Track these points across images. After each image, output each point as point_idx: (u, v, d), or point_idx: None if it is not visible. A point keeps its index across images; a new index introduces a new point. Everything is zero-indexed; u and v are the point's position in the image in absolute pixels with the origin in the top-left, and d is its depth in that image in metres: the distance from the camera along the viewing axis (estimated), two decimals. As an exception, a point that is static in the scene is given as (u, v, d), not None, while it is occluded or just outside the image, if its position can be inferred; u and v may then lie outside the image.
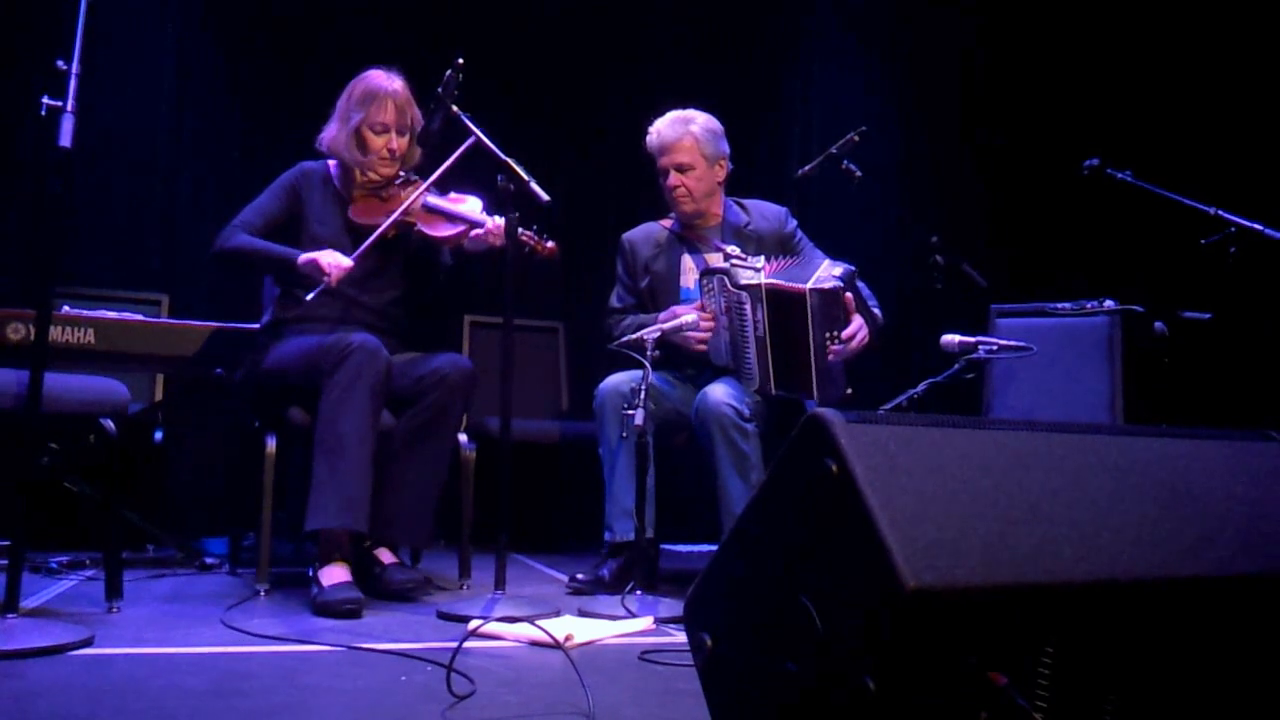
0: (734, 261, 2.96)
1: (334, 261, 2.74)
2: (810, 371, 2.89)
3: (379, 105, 2.92)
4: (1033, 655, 1.21)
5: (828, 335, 2.88)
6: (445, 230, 2.91)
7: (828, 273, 2.93)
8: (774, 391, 2.93)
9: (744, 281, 2.91)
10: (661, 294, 3.23)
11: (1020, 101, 4.56)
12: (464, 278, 3.08)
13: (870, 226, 4.52)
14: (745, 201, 3.35)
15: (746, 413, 2.89)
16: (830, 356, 2.88)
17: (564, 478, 4.18)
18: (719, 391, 2.92)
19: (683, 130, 3.18)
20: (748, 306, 2.91)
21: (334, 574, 2.55)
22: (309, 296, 2.73)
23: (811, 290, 2.86)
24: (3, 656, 1.88)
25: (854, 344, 2.91)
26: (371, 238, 2.81)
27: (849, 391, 2.94)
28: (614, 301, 3.32)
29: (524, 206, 2.63)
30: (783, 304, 2.88)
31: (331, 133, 2.97)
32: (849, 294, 2.93)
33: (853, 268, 2.98)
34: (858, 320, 2.94)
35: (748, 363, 2.94)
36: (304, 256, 2.78)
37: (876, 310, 3.07)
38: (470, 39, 4.03)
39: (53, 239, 2.36)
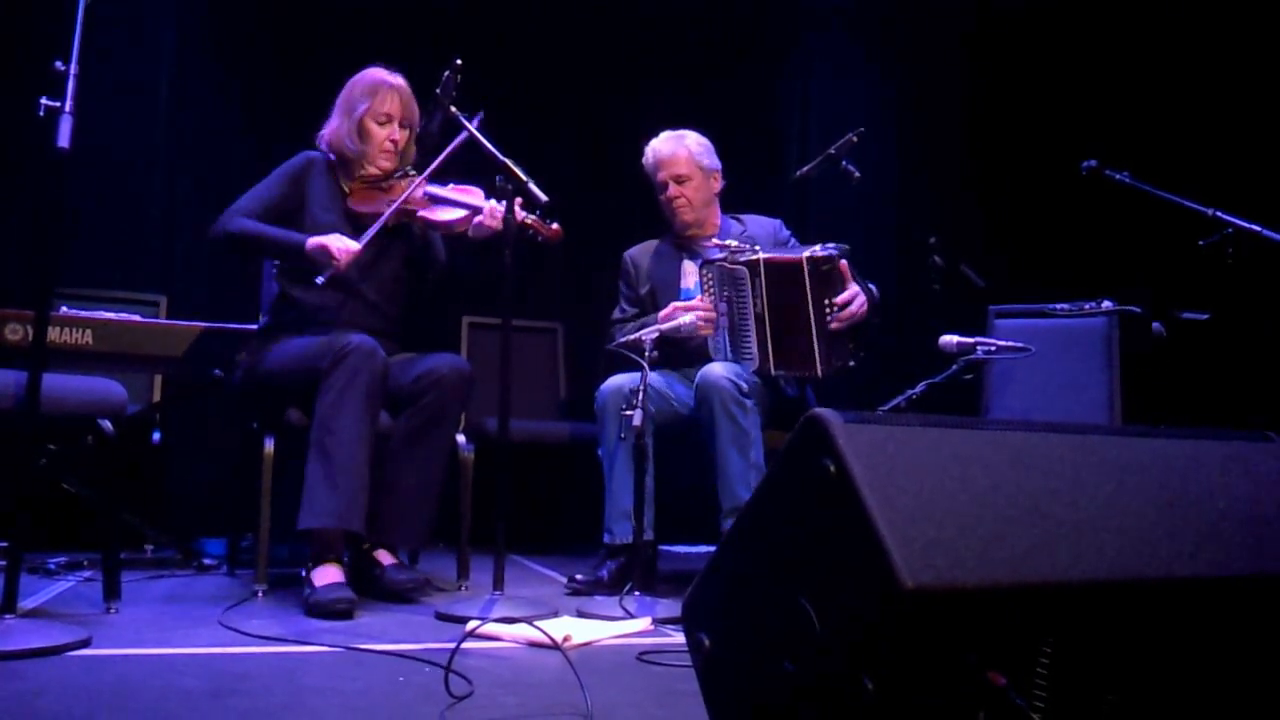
0: (732, 249, 3.01)
1: (343, 246, 2.74)
2: (812, 342, 2.91)
3: (383, 96, 2.94)
4: (1031, 655, 1.21)
5: (826, 304, 2.90)
6: (447, 215, 2.91)
7: (821, 245, 2.98)
8: (774, 370, 2.95)
9: (743, 259, 2.95)
10: (663, 297, 3.26)
11: (1018, 102, 4.56)
12: (461, 272, 3.08)
13: (869, 227, 4.52)
14: (740, 215, 3.43)
15: (745, 388, 2.91)
16: (832, 324, 2.90)
17: (562, 478, 4.18)
18: (719, 368, 2.95)
19: (677, 145, 3.30)
20: (747, 283, 2.95)
21: (326, 574, 2.54)
22: (320, 279, 2.72)
23: (807, 258, 2.91)
24: (1, 657, 1.88)
25: (853, 308, 2.93)
26: (379, 222, 2.81)
27: (851, 364, 2.95)
28: (616, 314, 3.37)
29: (524, 205, 2.63)
30: (780, 275, 2.92)
31: (333, 126, 2.98)
32: (844, 262, 2.95)
33: (845, 245, 3.01)
34: (854, 287, 2.96)
35: (747, 344, 2.97)
36: (312, 241, 2.77)
37: (871, 286, 3.08)
38: (470, 43, 4.03)
39: (51, 240, 2.36)
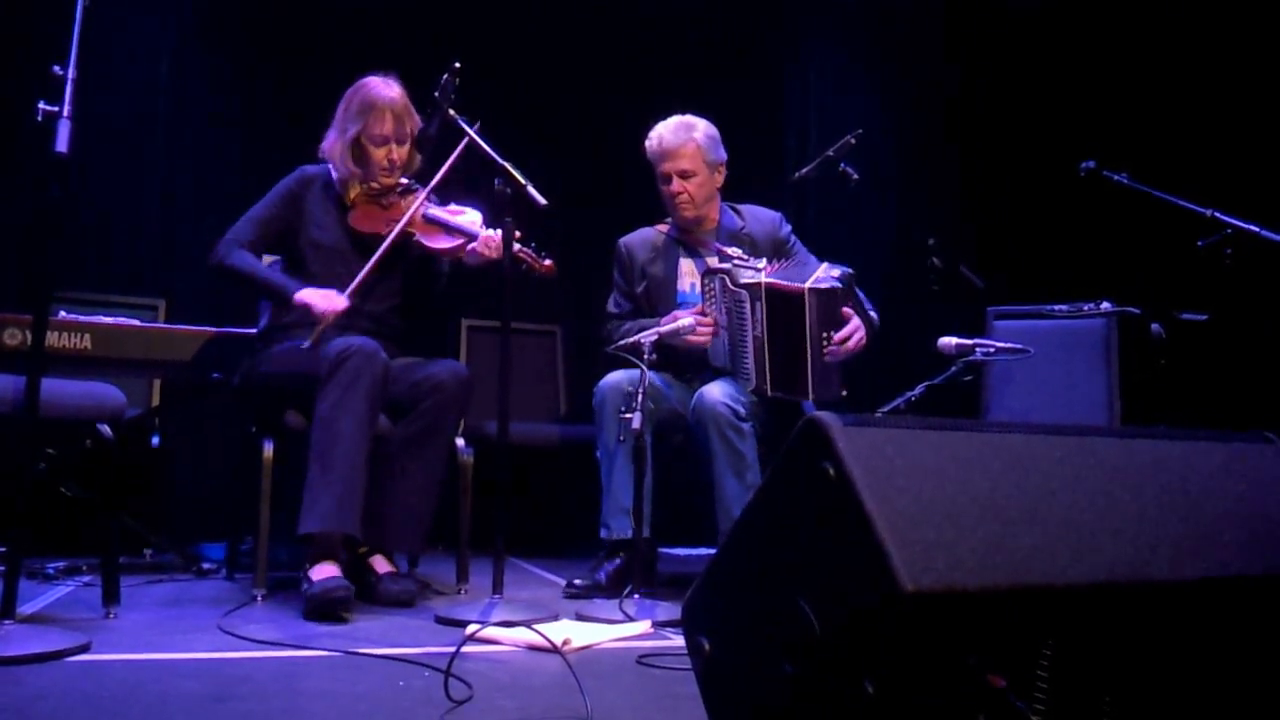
0: (735, 262, 2.99)
1: (329, 306, 2.73)
2: (806, 371, 2.90)
3: (377, 117, 2.90)
4: (1031, 657, 1.21)
5: (824, 336, 2.89)
6: (443, 243, 2.92)
7: (826, 273, 2.95)
8: (770, 392, 2.94)
9: (744, 280, 2.93)
10: (659, 297, 3.23)
11: (1017, 103, 4.56)
12: (461, 284, 3.08)
13: (867, 229, 4.52)
14: (740, 206, 3.38)
15: (743, 412, 2.90)
16: (826, 357, 2.89)
17: (562, 481, 4.18)
18: (715, 391, 2.93)
19: (685, 137, 3.19)
20: (747, 305, 2.92)
21: (324, 570, 2.54)
22: (305, 345, 2.70)
23: (810, 290, 2.88)
24: (0, 663, 1.87)
25: (850, 344, 2.92)
26: (368, 266, 2.79)
27: (844, 393, 2.95)
28: (611, 307, 3.33)
29: (522, 212, 2.62)
30: (781, 303, 2.90)
31: (332, 141, 2.96)
32: (847, 295, 2.94)
33: (850, 270, 2.99)
34: (855, 321, 2.95)
35: (745, 362, 2.95)
36: (298, 296, 2.77)
37: (873, 314, 3.08)
38: (469, 42, 4.03)
39: (50, 244, 2.36)
